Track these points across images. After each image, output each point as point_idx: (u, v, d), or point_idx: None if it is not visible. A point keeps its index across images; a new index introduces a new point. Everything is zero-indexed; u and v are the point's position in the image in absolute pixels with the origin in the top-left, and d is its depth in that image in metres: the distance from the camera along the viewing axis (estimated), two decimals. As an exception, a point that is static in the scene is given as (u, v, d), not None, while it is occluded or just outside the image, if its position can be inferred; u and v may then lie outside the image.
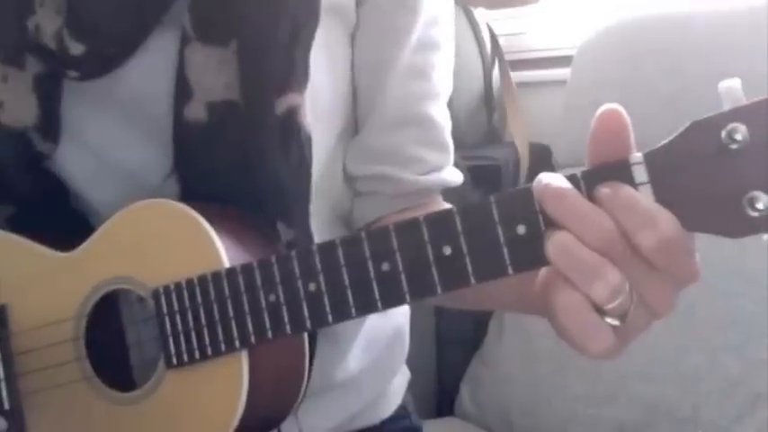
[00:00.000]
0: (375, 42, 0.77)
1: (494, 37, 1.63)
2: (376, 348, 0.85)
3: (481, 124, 1.62)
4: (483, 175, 1.31)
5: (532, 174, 1.49)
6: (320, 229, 0.75)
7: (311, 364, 0.68)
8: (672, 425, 1.14)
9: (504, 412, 1.35)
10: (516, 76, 1.62)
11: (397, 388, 0.91)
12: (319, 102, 0.72)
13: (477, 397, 1.42)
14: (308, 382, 0.68)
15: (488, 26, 1.64)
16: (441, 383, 1.51)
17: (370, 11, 0.76)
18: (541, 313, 0.56)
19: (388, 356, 0.88)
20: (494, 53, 1.63)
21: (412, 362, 0.93)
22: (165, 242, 0.65)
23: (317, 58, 0.71)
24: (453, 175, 0.82)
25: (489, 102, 1.62)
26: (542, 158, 1.51)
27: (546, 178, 0.51)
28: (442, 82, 0.81)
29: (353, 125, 0.80)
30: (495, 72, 1.63)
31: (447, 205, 0.83)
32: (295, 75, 0.69)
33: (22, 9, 0.69)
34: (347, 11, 0.76)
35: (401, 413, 0.91)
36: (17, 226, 0.73)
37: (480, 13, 1.63)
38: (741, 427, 1.09)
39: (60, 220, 0.74)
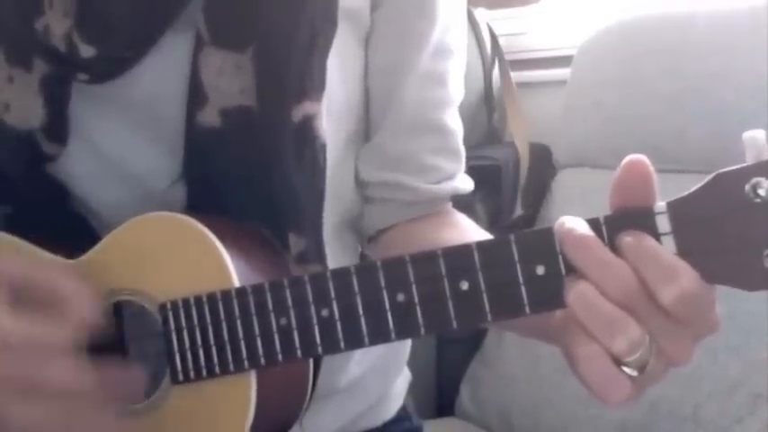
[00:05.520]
0: (391, 46, 0.77)
1: (494, 37, 1.63)
2: (377, 351, 0.85)
3: (481, 124, 1.62)
4: (483, 175, 1.31)
5: (532, 174, 1.51)
6: (330, 236, 0.74)
7: (317, 373, 0.67)
8: (672, 425, 1.14)
9: (504, 412, 1.35)
10: (516, 76, 1.62)
11: (398, 390, 0.91)
12: (330, 105, 0.72)
13: (477, 397, 1.42)
14: (313, 390, 0.68)
15: (488, 26, 1.64)
16: (441, 383, 1.51)
17: (387, 15, 0.76)
18: (556, 344, 0.56)
19: (390, 359, 0.88)
20: (494, 53, 1.63)
21: (412, 362, 0.93)
22: (174, 257, 0.64)
23: (330, 61, 0.70)
24: (465, 183, 0.82)
25: (489, 102, 1.62)
26: (542, 158, 1.51)
27: (569, 223, 0.51)
28: (455, 88, 0.81)
29: (364, 128, 0.80)
30: (495, 72, 1.63)
31: (458, 214, 0.83)
32: (312, 82, 0.69)
33: (30, 10, 0.68)
34: (361, 14, 0.75)
35: (402, 415, 0.91)
36: (14, 226, 0.72)
37: (480, 13, 1.63)
38: (741, 427, 1.09)
39: (59, 222, 0.73)
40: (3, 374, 0.57)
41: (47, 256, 0.70)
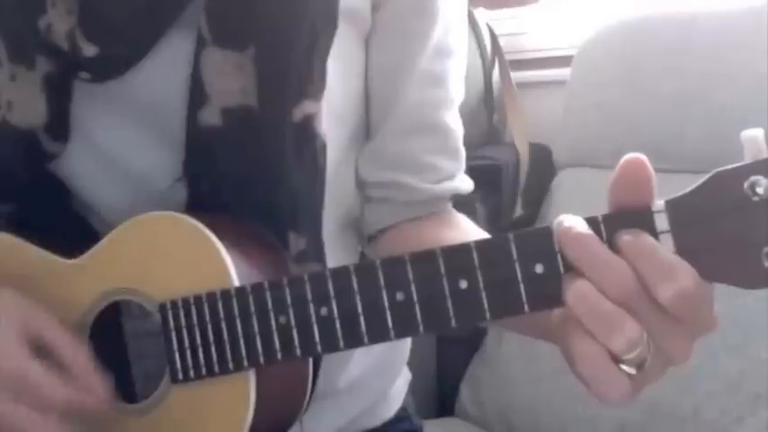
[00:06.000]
0: (392, 47, 0.77)
1: (494, 37, 1.63)
2: (377, 351, 0.85)
3: (481, 124, 1.61)
4: (483, 175, 1.31)
5: (532, 174, 1.51)
6: (330, 235, 0.74)
7: (316, 372, 0.67)
8: (672, 425, 1.14)
9: (504, 412, 1.35)
10: (516, 76, 1.62)
11: (398, 390, 0.91)
12: (331, 105, 0.72)
13: (477, 397, 1.42)
14: (312, 390, 0.68)
15: (488, 26, 1.64)
16: (441, 383, 1.51)
17: (388, 16, 0.76)
18: (555, 342, 0.56)
19: (390, 359, 0.88)
20: (494, 53, 1.63)
21: (412, 362, 0.93)
22: (174, 256, 0.65)
23: (330, 61, 0.71)
24: (465, 183, 0.82)
25: (489, 102, 1.62)
26: (542, 158, 1.51)
27: (567, 221, 0.51)
28: (456, 88, 0.81)
29: (364, 129, 0.80)
30: (495, 72, 1.63)
31: (459, 215, 0.83)
32: (312, 82, 0.69)
33: (32, 8, 0.69)
34: (362, 15, 0.76)
35: (402, 415, 0.91)
36: (16, 224, 0.72)
37: (480, 13, 1.63)
38: (741, 427, 1.09)
39: (60, 220, 0.74)
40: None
41: (47, 255, 0.70)
